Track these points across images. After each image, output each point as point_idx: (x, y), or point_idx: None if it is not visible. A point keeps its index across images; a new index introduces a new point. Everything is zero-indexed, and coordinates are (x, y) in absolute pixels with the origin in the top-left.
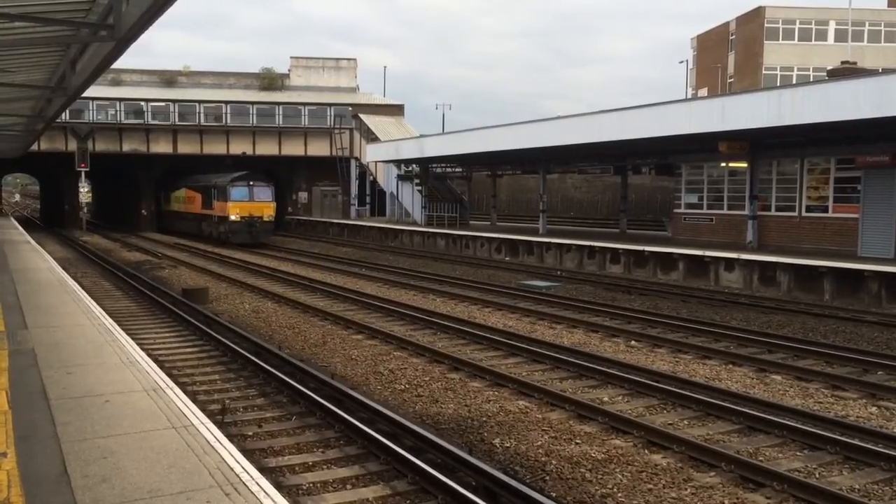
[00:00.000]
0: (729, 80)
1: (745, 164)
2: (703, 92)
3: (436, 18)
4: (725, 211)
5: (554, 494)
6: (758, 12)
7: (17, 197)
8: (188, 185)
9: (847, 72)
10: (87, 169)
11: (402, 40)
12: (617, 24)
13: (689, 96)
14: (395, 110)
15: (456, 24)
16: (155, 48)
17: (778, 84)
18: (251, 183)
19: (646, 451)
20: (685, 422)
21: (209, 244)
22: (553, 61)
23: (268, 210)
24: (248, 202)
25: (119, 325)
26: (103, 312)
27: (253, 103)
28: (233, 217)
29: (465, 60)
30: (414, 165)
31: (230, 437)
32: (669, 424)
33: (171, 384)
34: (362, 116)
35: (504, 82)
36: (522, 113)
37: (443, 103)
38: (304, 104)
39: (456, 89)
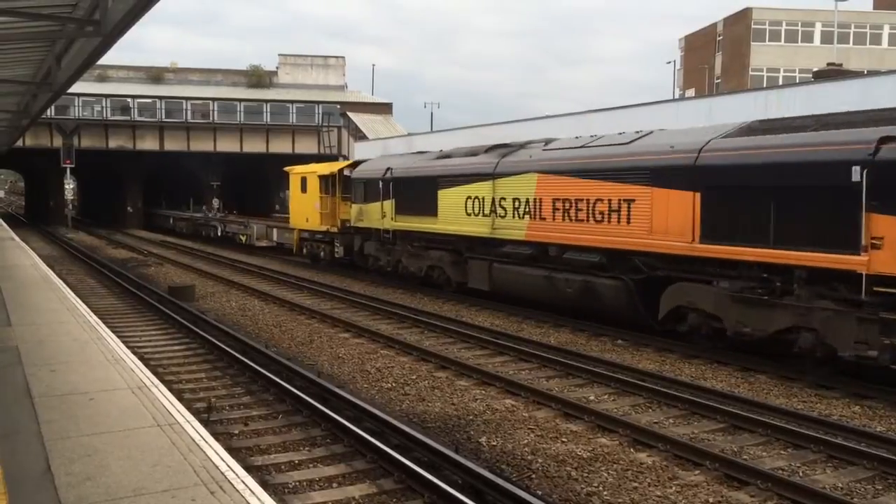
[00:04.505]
0: (716, 81)
1: None
2: (691, 92)
3: (430, 18)
4: None
5: (540, 492)
6: (745, 13)
7: (2, 193)
8: (593, 171)
9: (833, 73)
10: (73, 165)
11: (396, 39)
12: (610, 25)
13: (677, 97)
14: (384, 109)
15: (451, 24)
16: (146, 45)
17: (764, 85)
18: None
19: (631, 450)
20: (671, 420)
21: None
22: (546, 62)
23: None
24: None
25: (104, 322)
26: (88, 310)
27: (240, 100)
28: None
29: (458, 60)
30: None
31: (216, 436)
32: (655, 423)
33: (157, 382)
34: (350, 115)
35: (497, 82)
36: (515, 113)
37: (431, 101)
38: (292, 102)
39: (448, 89)
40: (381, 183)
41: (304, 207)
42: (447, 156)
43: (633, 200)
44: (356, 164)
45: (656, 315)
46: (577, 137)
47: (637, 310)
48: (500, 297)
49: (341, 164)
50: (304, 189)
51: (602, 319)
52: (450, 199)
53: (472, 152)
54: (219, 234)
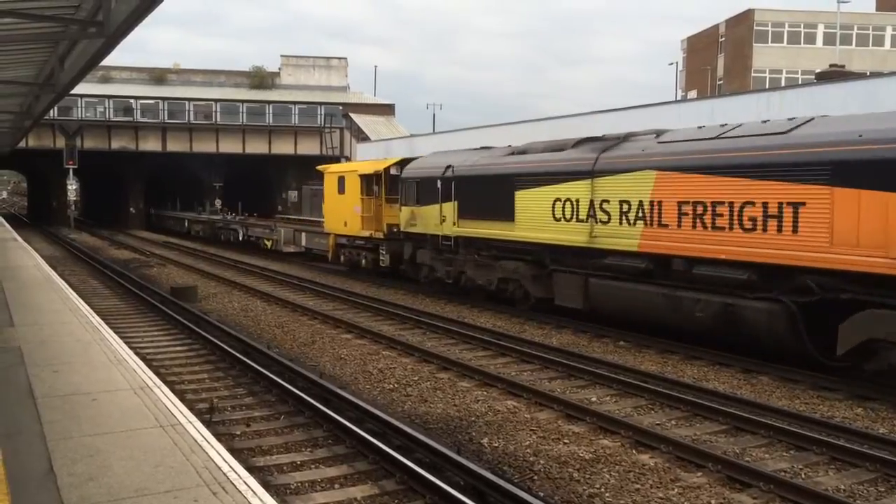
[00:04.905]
0: (718, 83)
1: None
2: (693, 94)
3: (431, 18)
4: None
5: (542, 494)
6: (747, 15)
7: (4, 194)
8: None
9: (835, 75)
10: (76, 166)
11: (397, 39)
12: (610, 26)
13: (679, 98)
14: (386, 110)
15: (451, 24)
16: (148, 46)
17: (767, 87)
18: None
19: (633, 451)
20: (673, 422)
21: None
22: (546, 62)
23: None
24: None
25: (106, 323)
26: (91, 310)
27: (243, 102)
28: None
29: (459, 60)
30: None
31: (218, 436)
32: (657, 424)
33: (159, 383)
34: (353, 116)
35: (498, 82)
36: (517, 113)
37: (434, 102)
38: (295, 103)
39: (449, 89)
40: (439, 182)
41: (342, 210)
42: (523, 151)
43: (803, 204)
44: (404, 161)
45: (829, 347)
46: (700, 127)
47: (800, 340)
48: (597, 318)
49: (387, 161)
50: (341, 190)
51: (745, 350)
52: (531, 202)
53: (558, 147)
54: (240, 238)
